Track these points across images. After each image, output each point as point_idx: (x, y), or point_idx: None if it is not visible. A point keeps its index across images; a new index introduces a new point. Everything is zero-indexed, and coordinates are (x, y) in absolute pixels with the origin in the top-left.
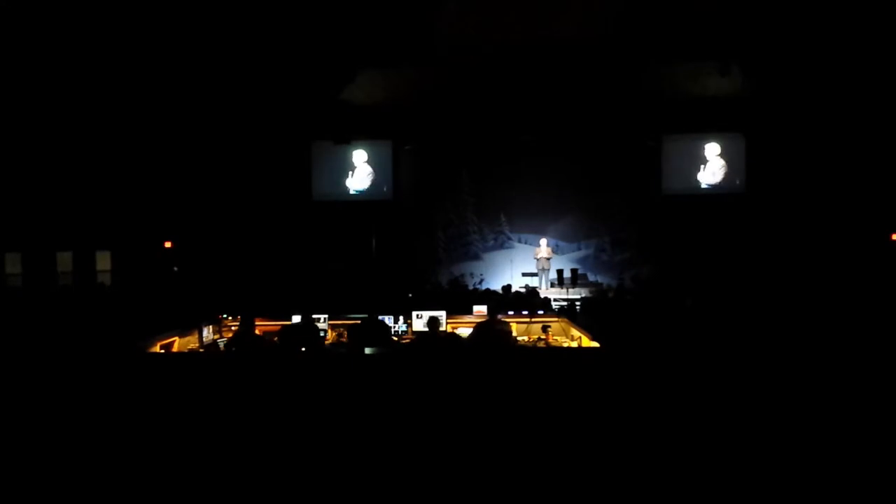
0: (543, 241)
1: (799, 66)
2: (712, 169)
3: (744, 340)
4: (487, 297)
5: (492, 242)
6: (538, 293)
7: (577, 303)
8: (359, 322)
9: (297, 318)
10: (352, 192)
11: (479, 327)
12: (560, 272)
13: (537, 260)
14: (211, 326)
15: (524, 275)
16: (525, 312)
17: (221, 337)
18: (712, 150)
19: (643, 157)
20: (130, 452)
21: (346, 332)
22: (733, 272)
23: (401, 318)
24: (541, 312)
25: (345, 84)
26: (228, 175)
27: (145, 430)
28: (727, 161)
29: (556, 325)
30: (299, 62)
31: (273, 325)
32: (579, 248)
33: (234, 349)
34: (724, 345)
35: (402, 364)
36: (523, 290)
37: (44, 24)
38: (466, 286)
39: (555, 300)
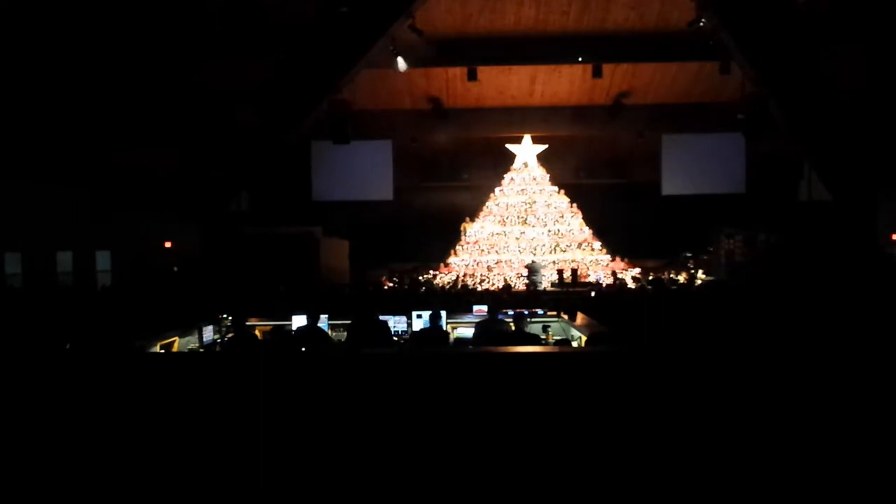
0: None
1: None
2: (712, 169)
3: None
4: (488, 296)
5: None
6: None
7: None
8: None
9: (298, 319)
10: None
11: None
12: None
13: None
14: (211, 326)
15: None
16: (525, 312)
17: (222, 337)
18: (712, 149)
19: (643, 157)
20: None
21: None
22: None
23: (402, 317)
24: (541, 312)
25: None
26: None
27: (145, 430)
28: (727, 161)
29: (555, 325)
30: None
31: (268, 325)
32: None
33: (230, 350)
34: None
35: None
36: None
37: None
38: (467, 286)
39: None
